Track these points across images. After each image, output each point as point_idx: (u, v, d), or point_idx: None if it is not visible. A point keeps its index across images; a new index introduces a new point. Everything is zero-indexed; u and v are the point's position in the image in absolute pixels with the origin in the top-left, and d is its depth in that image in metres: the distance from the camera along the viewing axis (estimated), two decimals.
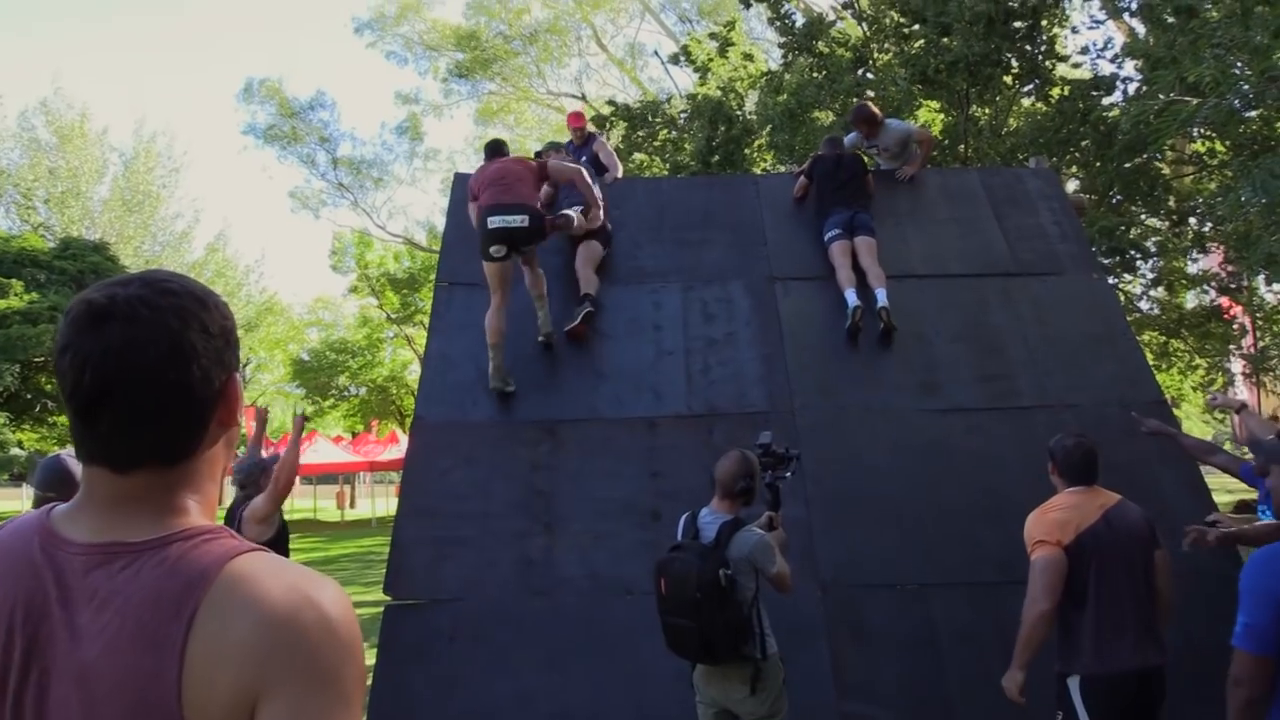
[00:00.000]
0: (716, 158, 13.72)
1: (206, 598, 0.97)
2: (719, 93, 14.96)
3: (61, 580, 1.01)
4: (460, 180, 6.91)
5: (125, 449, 1.04)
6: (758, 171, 14.44)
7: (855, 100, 11.79)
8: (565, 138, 8.19)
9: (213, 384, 1.07)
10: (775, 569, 3.41)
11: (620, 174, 7.36)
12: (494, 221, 5.49)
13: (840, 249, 6.13)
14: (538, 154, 7.13)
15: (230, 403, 1.10)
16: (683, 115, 16.01)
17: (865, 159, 6.94)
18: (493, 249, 5.51)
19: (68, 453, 3.34)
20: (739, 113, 14.33)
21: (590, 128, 8.06)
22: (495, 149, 6.14)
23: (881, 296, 5.86)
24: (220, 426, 1.10)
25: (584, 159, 7.28)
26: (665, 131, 15.94)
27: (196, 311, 1.07)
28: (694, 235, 6.58)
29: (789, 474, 3.67)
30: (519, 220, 5.49)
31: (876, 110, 7.08)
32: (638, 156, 15.53)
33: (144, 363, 1.02)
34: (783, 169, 13.46)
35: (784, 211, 6.78)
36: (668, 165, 15.01)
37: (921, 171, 7.02)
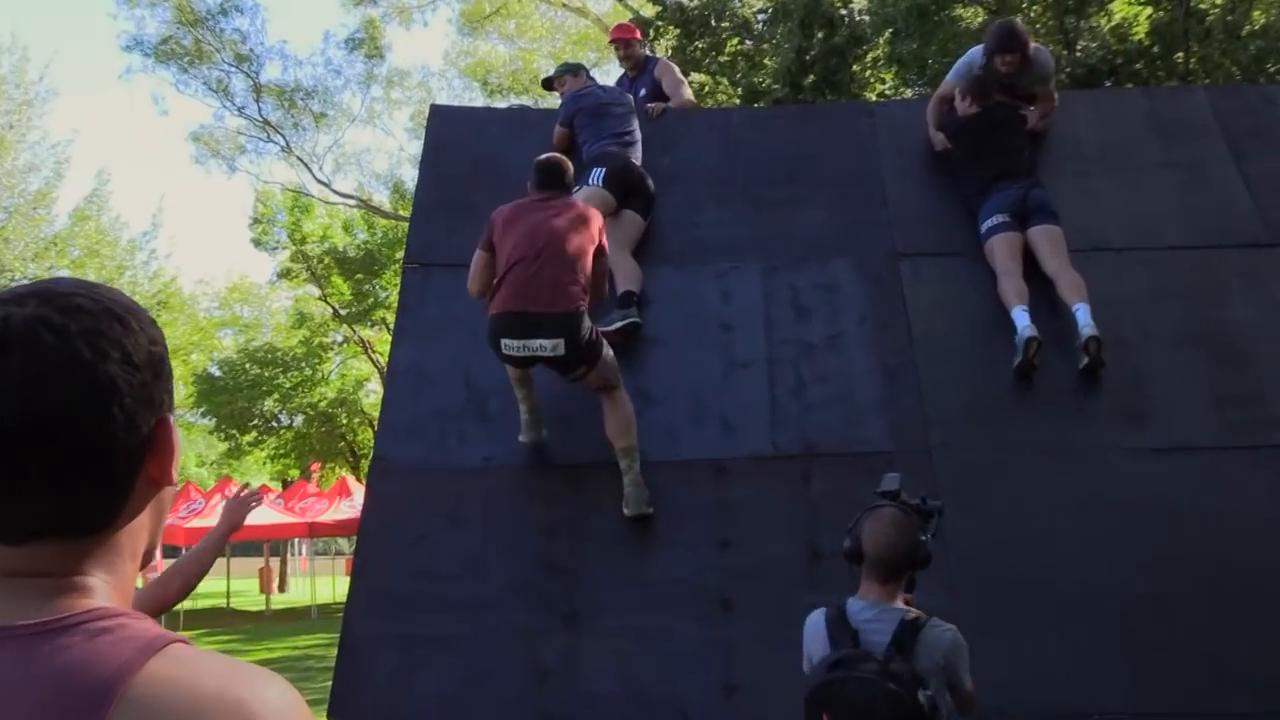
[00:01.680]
0: (811, 78, 13.79)
1: (118, 710, 1.00)
2: None
3: None
4: (443, 119, 7.01)
5: (19, 517, 1.08)
6: (872, 97, 14.46)
7: None
8: (586, 54, 8.32)
9: (139, 431, 1.12)
10: (970, 683, 3.39)
11: (688, 98, 7.47)
12: (511, 347, 5.21)
13: (1007, 246, 6.04)
14: (547, 82, 7.25)
15: (162, 455, 1.15)
16: (761, 17, 16.09)
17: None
18: (509, 367, 5.41)
19: None
20: (844, 11, 14.37)
21: (644, 49, 8.17)
22: (548, 176, 5.58)
23: (1084, 317, 5.65)
24: (149, 486, 1.14)
25: (642, 93, 7.37)
26: (736, 41, 16.05)
27: (117, 336, 1.12)
28: (779, 192, 6.61)
29: (927, 537, 3.65)
30: (549, 348, 5.18)
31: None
32: (697, 78, 15.69)
33: (48, 406, 1.06)
34: (909, 94, 13.44)
35: (913, 155, 6.79)
36: (740, 90, 15.12)
37: (1080, 105, 7.01)
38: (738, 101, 15.10)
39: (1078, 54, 13.99)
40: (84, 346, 1.09)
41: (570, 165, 5.73)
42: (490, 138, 7.00)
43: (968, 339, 5.91)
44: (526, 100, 27.40)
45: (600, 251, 5.48)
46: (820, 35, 13.87)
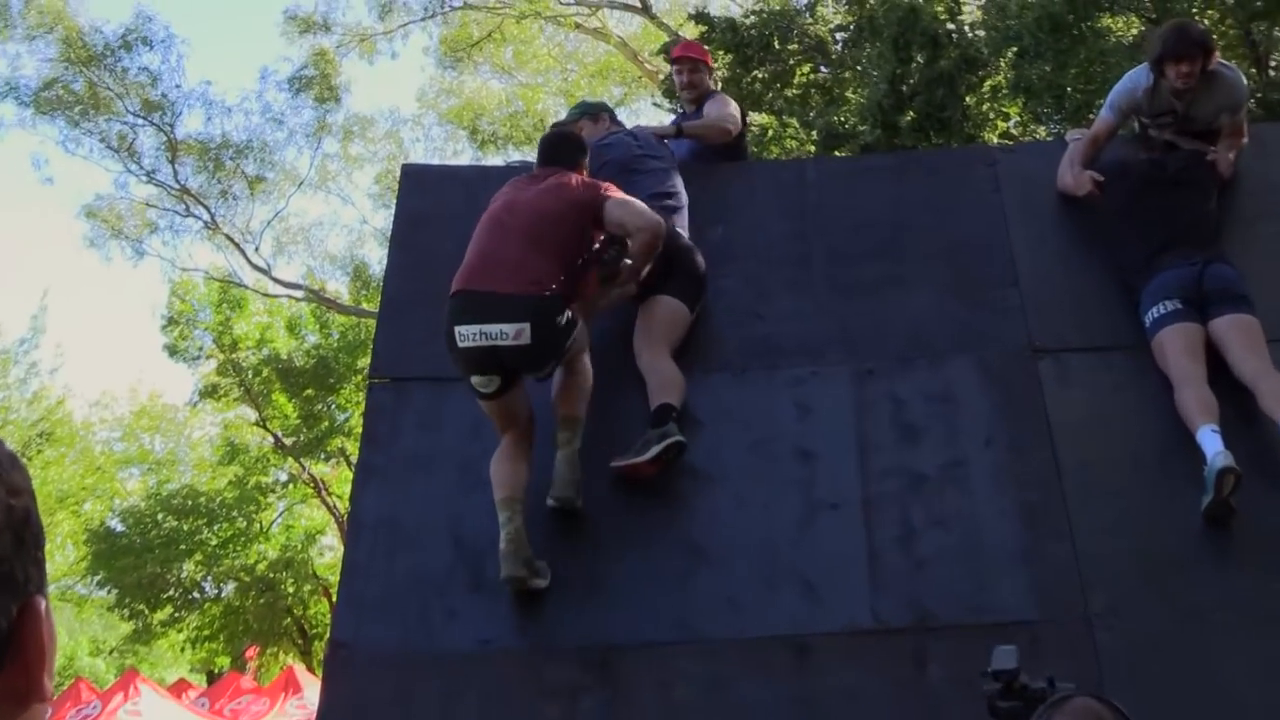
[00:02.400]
0: (910, 115, 13.94)
1: None
2: None
3: None
4: (418, 183, 7.13)
5: None
6: (992, 139, 14.56)
7: None
8: (608, 89, 8.49)
9: None
10: None
11: (713, 119, 7.56)
12: (465, 335, 5.57)
13: (1182, 341, 5.98)
14: (556, 131, 7.34)
15: (27, 657, 1.11)
16: (840, 36, 16.33)
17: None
18: (473, 380, 5.70)
19: None
20: (952, 25, 14.58)
21: (712, 79, 8.37)
22: (550, 151, 6.25)
23: None
24: (9, 703, 1.10)
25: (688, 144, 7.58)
26: (808, 68, 16.28)
27: None
28: (872, 269, 6.70)
29: None
30: (510, 334, 5.51)
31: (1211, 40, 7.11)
32: (759, 119, 15.90)
33: None
34: (1042, 133, 13.54)
35: (1050, 216, 6.87)
36: (815, 134, 15.28)
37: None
38: (812, 149, 15.28)
39: (1271, 73, 14.07)
40: None
41: (582, 139, 6.19)
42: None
43: (1135, 468, 5.90)
44: (529, 154, 27.81)
45: (598, 216, 5.87)
46: (921, 58, 14.02)
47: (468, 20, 30.33)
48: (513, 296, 5.56)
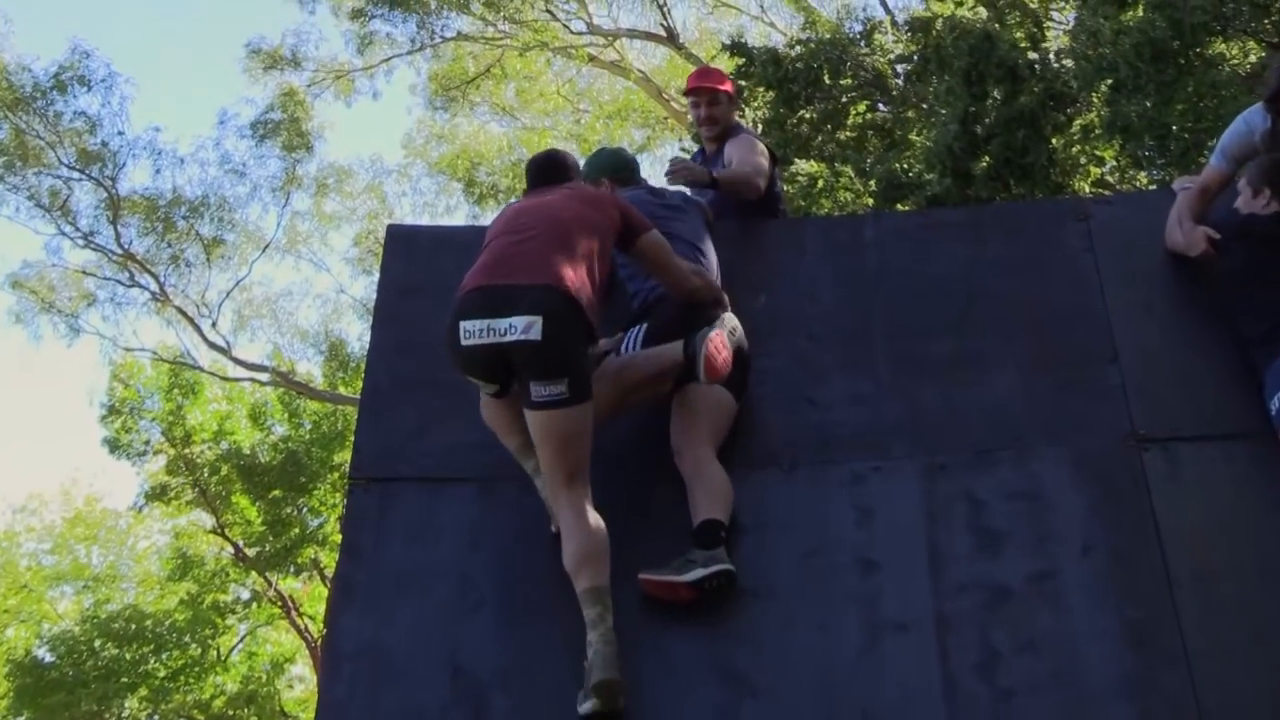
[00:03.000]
0: (987, 161, 13.96)
1: None
2: (985, 11, 15.37)
3: None
4: (406, 246, 7.18)
5: None
6: (1085, 188, 14.54)
7: None
8: (628, 132, 8.59)
9: None
10: None
11: (741, 170, 7.68)
12: (470, 332, 5.83)
13: None
14: (546, 152, 7.48)
15: None
16: (901, 69, 16.40)
17: None
18: (481, 385, 6.05)
19: None
20: (1033, 55, 14.63)
21: (736, 110, 8.47)
22: (541, 171, 6.68)
23: None
24: None
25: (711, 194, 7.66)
26: (864, 107, 16.33)
27: None
28: (944, 345, 6.73)
29: None
30: (520, 328, 5.73)
31: None
32: (806, 168, 15.89)
33: None
34: (1144, 180, 13.55)
35: (1155, 279, 6.89)
36: (874, 184, 15.32)
37: None
38: (871, 202, 15.29)
39: None
40: None
41: (570, 156, 6.62)
42: None
43: (1263, 579, 5.83)
44: None
45: (623, 236, 6.26)
46: (998, 94, 14.04)
47: (462, 53, 30.45)
48: (531, 287, 5.78)
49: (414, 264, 7.26)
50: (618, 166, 7.35)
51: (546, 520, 6.02)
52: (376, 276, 7.27)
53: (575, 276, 5.87)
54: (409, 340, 6.85)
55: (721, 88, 8.17)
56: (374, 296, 7.22)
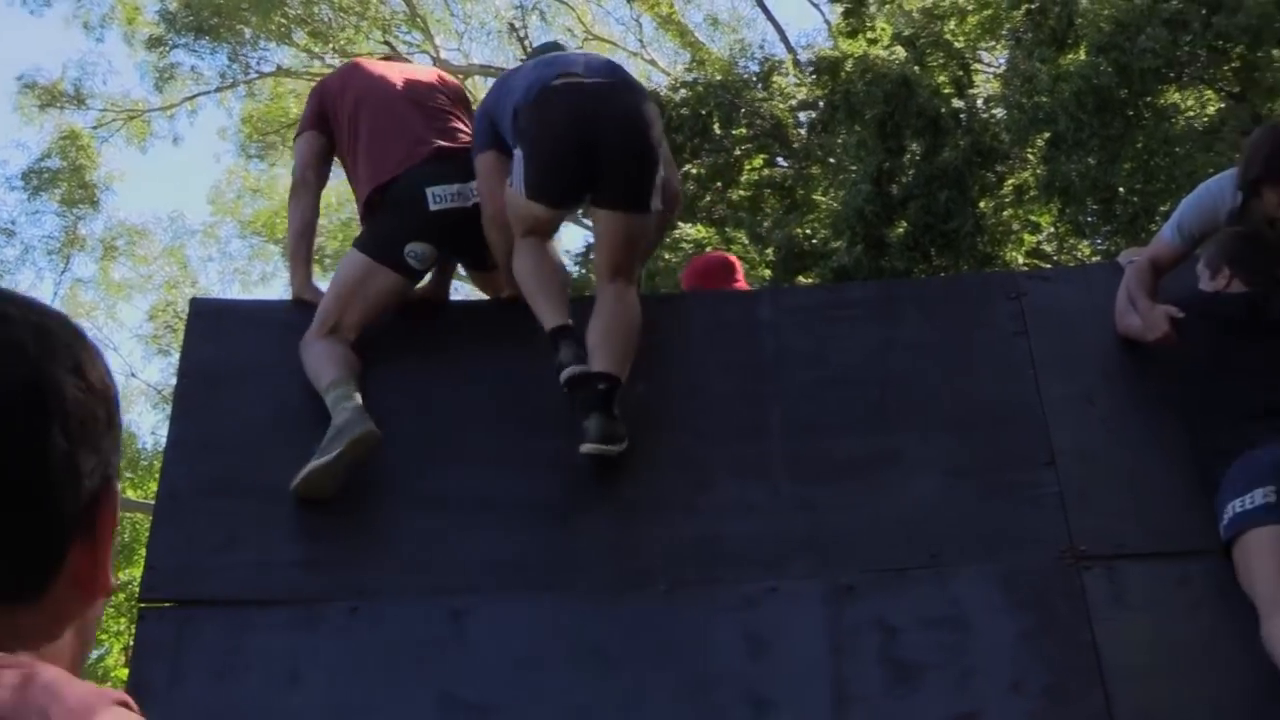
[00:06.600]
0: (902, 225, 14.09)
1: None
2: (903, 51, 15.54)
3: None
4: (211, 323, 7.15)
5: None
6: (1019, 259, 14.70)
7: None
8: None
9: (76, 478, 1.45)
10: None
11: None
12: (437, 198, 6.96)
13: (1276, 553, 5.98)
14: None
15: (101, 541, 1.48)
16: (804, 117, 16.54)
17: None
18: (417, 249, 6.99)
19: None
20: (958, 103, 14.81)
21: None
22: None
23: None
24: (74, 593, 1.46)
25: None
26: (759, 160, 16.44)
27: (69, 341, 1.49)
28: (853, 444, 6.73)
29: None
30: (476, 196, 7.05)
31: None
32: (690, 232, 15.96)
33: None
34: (1085, 251, 13.73)
35: (1098, 365, 6.98)
36: (772, 252, 15.40)
37: None
38: (768, 274, 15.32)
39: None
40: (28, 337, 1.42)
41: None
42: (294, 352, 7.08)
43: None
44: None
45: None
46: (917, 147, 14.16)
47: (283, 91, 30.38)
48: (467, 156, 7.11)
49: (221, 345, 7.16)
50: None
51: (381, 649, 6.00)
52: (176, 358, 7.21)
53: None
54: (214, 435, 6.77)
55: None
56: (173, 382, 7.14)
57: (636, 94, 7.14)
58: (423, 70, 7.95)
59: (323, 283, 7.44)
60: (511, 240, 6.99)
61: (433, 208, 6.90)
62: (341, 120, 7.28)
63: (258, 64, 29.62)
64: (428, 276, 7.37)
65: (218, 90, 30.10)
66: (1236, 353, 6.55)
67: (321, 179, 7.58)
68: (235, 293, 30.90)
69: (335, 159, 7.60)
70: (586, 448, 6.32)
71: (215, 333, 7.25)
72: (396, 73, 7.50)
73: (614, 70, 7.43)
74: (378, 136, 7.12)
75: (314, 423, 6.63)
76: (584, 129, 6.74)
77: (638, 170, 6.82)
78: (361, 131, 7.17)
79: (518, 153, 6.81)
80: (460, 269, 7.95)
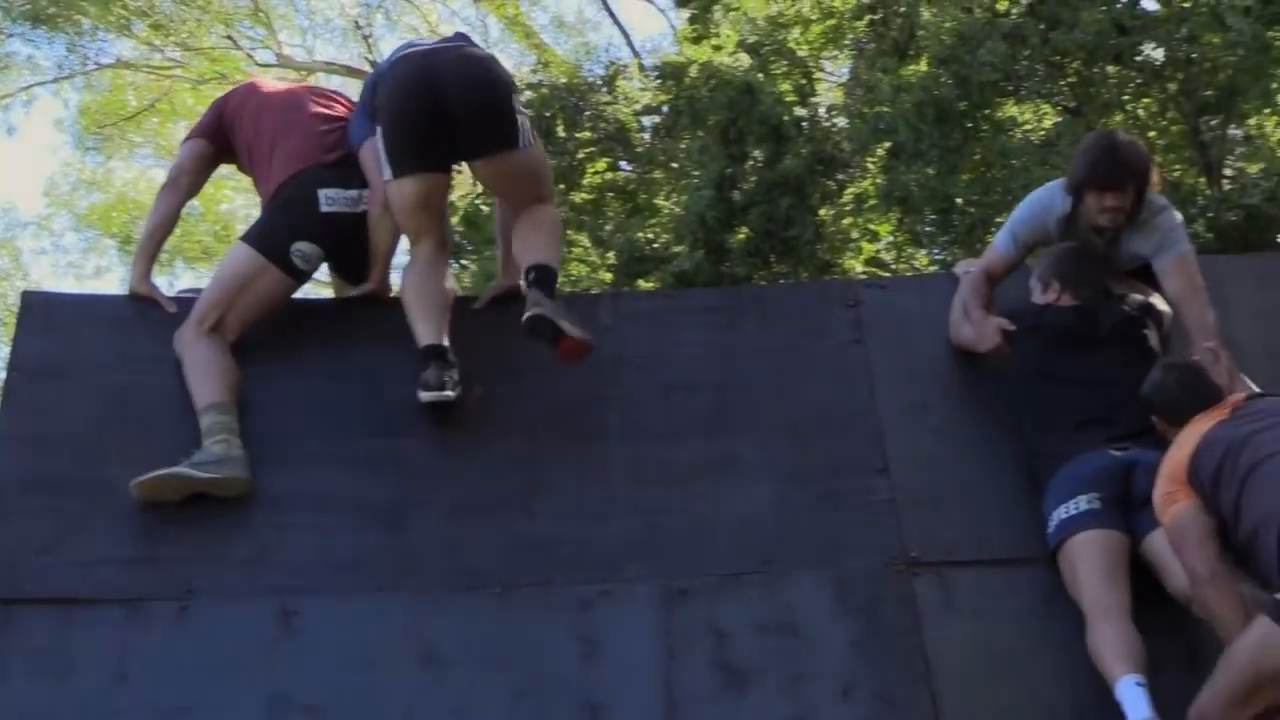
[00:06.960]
0: (743, 232, 14.06)
1: None
2: (747, 58, 15.54)
3: None
4: (39, 313, 7.05)
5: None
6: (857, 268, 14.74)
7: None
8: None
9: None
10: None
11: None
12: (330, 200, 7.09)
13: (1099, 554, 6.07)
14: None
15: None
16: (647, 122, 16.48)
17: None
18: (303, 249, 7.06)
19: None
20: (801, 111, 14.82)
21: None
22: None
23: None
24: None
25: None
26: (602, 163, 16.37)
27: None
28: (688, 450, 6.76)
29: None
30: (366, 200, 7.16)
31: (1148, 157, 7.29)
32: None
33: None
34: (923, 261, 13.81)
35: (930, 376, 7.04)
36: (611, 254, 15.32)
37: None
38: (609, 277, 15.22)
39: (1226, 186, 14.35)
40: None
41: None
42: (135, 351, 7.00)
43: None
44: (203, 275, 27.46)
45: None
46: (759, 154, 14.12)
47: (121, 83, 29.88)
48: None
49: (53, 339, 7.03)
50: None
51: (211, 648, 5.98)
52: (5, 352, 7.12)
53: None
54: (43, 431, 6.65)
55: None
56: (1, 376, 7.03)
57: (476, 49, 7.23)
58: (323, 86, 8.34)
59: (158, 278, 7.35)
60: (392, 238, 7.23)
61: (323, 209, 6.99)
62: (246, 131, 7.35)
63: (96, 55, 29.14)
64: (365, 286, 7.38)
65: (54, 80, 29.61)
66: (1066, 364, 6.63)
67: (194, 186, 7.65)
68: (69, 287, 30.26)
69: (220, 169, 7.87)
70: (528, 316, 6.54)
71: (47, 326, 7.10)
72: (299, 87, 7.92)
73: (457, 37, 7.48)
74: (280, 141, 7.18)
75: (146, 420, 6.59)
76: (425, 87, 6.77)
77: (495, 110, 6.90)
78: (265, 139, 7.24)
79: (378, 131, 6.89)
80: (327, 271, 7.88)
